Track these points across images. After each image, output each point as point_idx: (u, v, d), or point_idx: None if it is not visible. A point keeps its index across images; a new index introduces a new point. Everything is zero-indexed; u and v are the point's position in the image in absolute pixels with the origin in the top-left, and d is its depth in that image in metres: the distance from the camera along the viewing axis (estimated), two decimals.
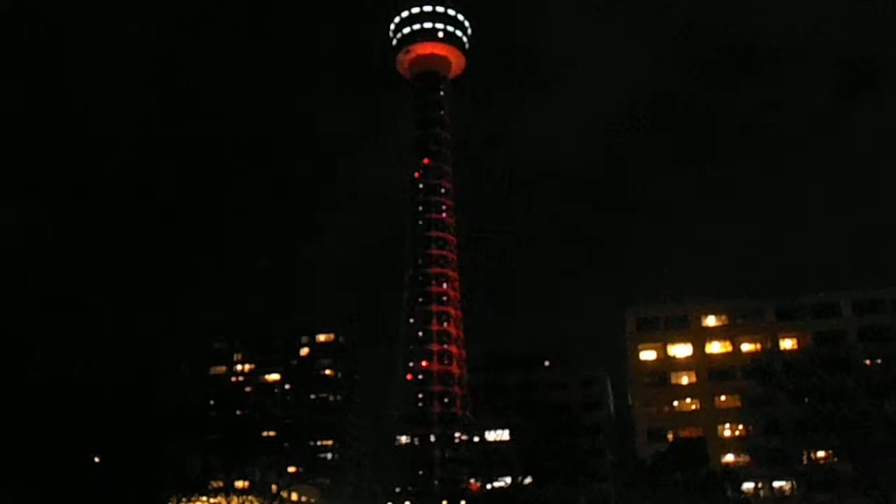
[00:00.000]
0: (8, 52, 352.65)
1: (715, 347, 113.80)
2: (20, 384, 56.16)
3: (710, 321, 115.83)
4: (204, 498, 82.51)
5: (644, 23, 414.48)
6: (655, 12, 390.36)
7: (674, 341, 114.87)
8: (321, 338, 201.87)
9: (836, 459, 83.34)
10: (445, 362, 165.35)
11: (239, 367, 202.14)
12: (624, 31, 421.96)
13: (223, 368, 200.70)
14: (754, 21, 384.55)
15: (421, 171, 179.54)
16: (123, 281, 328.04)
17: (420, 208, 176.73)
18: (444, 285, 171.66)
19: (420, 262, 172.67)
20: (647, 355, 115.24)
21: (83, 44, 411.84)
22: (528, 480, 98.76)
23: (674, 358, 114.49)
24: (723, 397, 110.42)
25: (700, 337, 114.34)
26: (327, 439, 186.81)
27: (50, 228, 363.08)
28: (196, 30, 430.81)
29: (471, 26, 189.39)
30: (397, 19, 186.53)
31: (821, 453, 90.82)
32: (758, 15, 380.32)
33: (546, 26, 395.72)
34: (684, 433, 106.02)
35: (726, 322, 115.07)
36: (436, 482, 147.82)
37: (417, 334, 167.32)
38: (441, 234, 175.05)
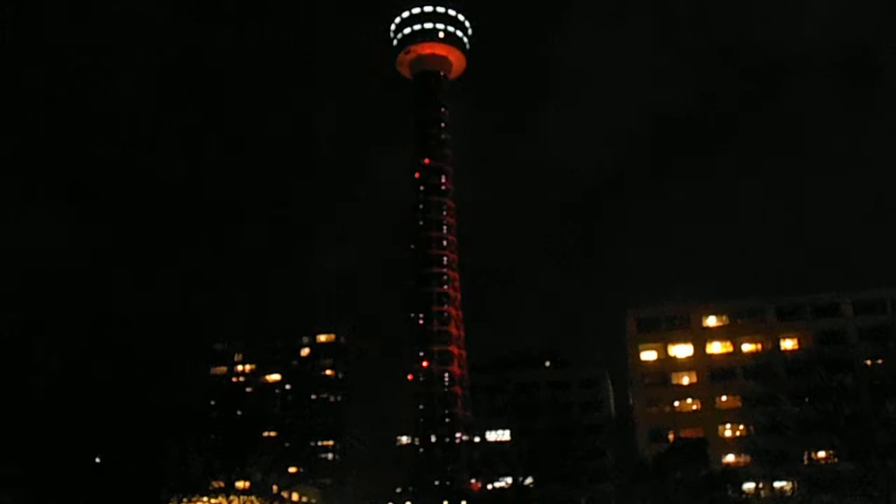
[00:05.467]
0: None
1: (716, 348, 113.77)
2: (22, 385, 56.22)
3: (711, 321, 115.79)
4: (205, 498, 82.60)
5: (651, 32, 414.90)
6: (663, 20, 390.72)
7: (674, 341, 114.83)
8: (322, 338, 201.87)
9: (836, 459, 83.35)
10: (446, 362, 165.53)
11: (240, 367, 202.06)
12: (634, 41, 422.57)
13: (224, 369, 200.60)
14: (761, 30, 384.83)
15: (421, 171, 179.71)
16: (124, 281, 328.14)
17: (420, 208, 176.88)
18: (445, 285, 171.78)
19: (421, 262, 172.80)
20: (648, 356, 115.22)
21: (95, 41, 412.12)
22: (528, 481, 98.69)
23: (675, 358, 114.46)
24: (724, 397, 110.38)
25: (701, 337, 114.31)
26: (328, 440, 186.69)
27: (51, 228, 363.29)
28: (196, 29, 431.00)
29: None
30: (398, 20, 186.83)
31: (822, 453, 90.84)
32: (765, 24, 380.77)
33: (559, 34, 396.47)
34: (685, 433, 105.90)
35: (727, 322, 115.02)
36: (436, 482, 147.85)
37: (418, 334, 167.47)
38: (441, 234, 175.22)
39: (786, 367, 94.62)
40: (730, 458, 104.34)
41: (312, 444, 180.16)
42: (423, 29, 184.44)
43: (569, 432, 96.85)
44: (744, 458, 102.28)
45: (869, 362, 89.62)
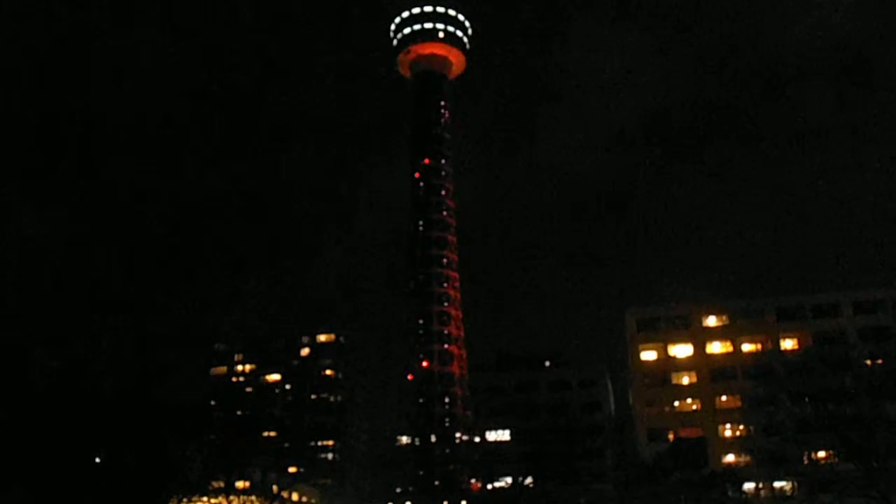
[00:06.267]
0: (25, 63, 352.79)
1: (715, 348, 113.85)
2: (22, 385, 56.22)
3: (711, 321, 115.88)
4: (205, 498, 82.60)
5: (652, 35, 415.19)
6: (664, 24, 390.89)
7: (674, 341, 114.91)
8: (322, 338, 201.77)
9: (836, 459, 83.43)
10: (446, 362, 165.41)
11: (240, 367, 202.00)
12: (635, 45, 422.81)
13: (224, 369, 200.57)
14: (760, 34, 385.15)
15: (421, 172, 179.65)
16: (125, 281, 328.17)
17: (420, 208, 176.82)
18: (445, 285, 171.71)
19: (421, 262, 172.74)
20: (648, 355, 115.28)
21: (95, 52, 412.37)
22: (528, 480, 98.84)
23: (674, 358, 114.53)
24: (723, 397, 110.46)
25: (700, 337, 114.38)
26: (328, 440, 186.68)
27: (52, 230, 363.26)
28: (193, 28, 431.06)
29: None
30: (398, 19, 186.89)
31: (821, 453, 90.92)
32: (765, 29, 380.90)
33: (560, 36, 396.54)
34: (685, 433, 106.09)
35: (727, 322, 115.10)
36: (436, 482, 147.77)
37: (418, 334, 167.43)
38: (442, 234, 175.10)
39: (786, 367, 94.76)
40: (730, 457, 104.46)
41: (312, 444, 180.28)
42: (423, 29, 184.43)
43: (569, 432, 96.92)
44: (744, 458, 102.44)
45: (869, 362, 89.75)
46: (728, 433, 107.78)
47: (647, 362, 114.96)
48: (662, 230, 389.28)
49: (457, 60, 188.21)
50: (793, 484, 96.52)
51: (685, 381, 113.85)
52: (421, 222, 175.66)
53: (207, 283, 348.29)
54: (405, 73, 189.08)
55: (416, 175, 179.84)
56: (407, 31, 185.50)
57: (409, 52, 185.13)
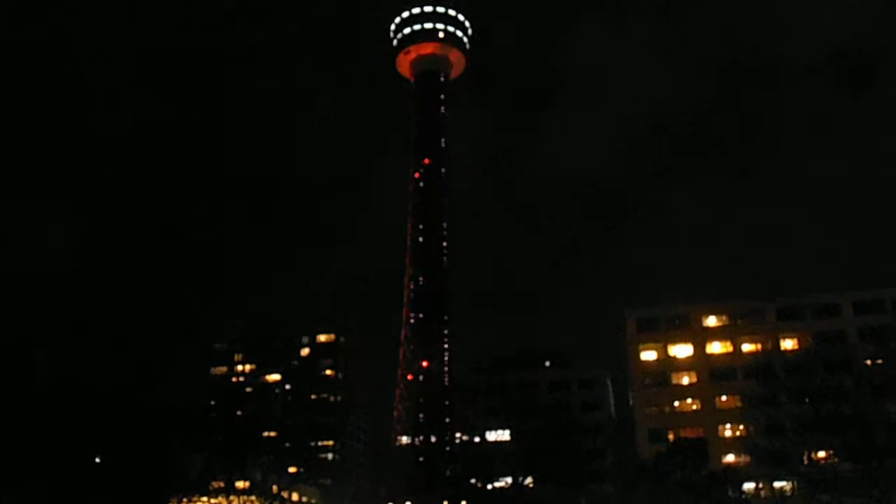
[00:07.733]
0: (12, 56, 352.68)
1: (716, 348, 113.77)
2: (24, 386, 56.33)
3: (711, 321, 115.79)
4: (205, 498, 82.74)
5: (654, 37, 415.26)
6: (667, 25, 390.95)
7: (674, 342, 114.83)
8: (322, 338, 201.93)
9: (836, 459, 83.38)
10: (446, 362, 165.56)
11: (240, 367, 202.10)
12: (638, 47, 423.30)
13: (224, 369, 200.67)
14: (763, 35, 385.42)
15: (421, 172, 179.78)
16: (125, 282, 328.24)
17: (420, 208, 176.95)
18: (445, 285, 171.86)
19: (420, 261, 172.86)
20: (648, 356, 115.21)
21: (81, 44, 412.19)
22: (528, 481, 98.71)
23: (674, 358, 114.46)
24: (724, 397, 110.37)
25: (701, 337, 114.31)
26: (328, 440, 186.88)
27: (52, 230, 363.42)
28: (193, 29, 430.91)
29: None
30: (398, 20, 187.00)
31: (821, 453, 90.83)
32: (767, 30, 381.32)
33: (563, 38, 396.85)
34: (685, 433, 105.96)
35: (727, 322, 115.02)
36: (436, 482, 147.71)
37: (418, 334, 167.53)
38: (441, 234, 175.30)
39: (786, 367, 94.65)
40: (730, 458, 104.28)
41: (312, 444, 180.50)
42: (423, 29, 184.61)
43: (569, 432, 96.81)
44: (744, 458, 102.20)
45: (869, 362, 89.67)
46: (728, 433, 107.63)
47: (647, 362, 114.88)
48: (663, 230, 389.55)
49: (457, 60, 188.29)
50: (793, 484, 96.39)
51: (685, 381, 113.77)
52: (421, 222, 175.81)
53: (208, 283, 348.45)
54: (405, 73, 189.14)
55: (417, 175, 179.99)
56: (407, 31, 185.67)
57: (409, 51, 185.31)
